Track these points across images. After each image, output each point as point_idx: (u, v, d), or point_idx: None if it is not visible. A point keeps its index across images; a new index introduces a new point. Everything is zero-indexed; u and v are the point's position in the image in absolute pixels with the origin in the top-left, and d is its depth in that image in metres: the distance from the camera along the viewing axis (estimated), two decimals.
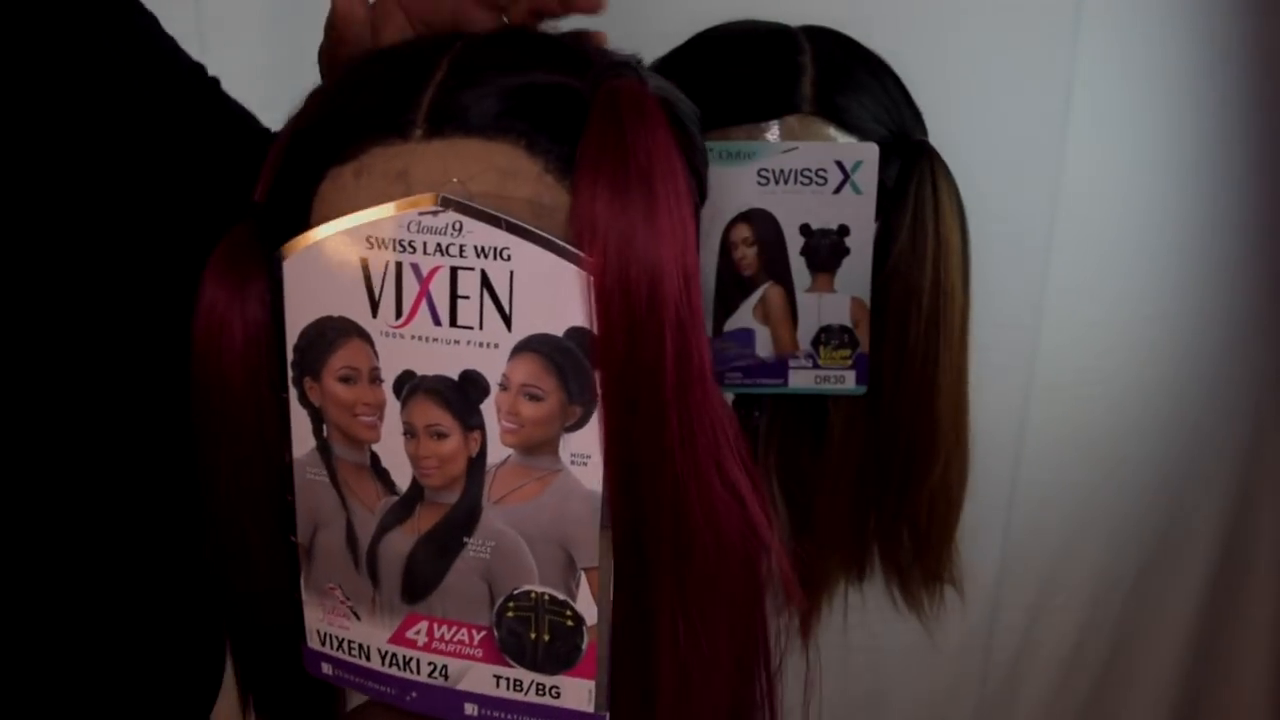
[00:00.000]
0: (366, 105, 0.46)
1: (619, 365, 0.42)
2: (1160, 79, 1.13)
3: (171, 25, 0.69)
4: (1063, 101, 1.12)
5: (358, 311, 0.44)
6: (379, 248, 0.43)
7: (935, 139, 0.78)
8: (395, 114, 0.44)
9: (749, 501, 0.45)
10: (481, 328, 0.43)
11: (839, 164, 0.72)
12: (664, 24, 0.82)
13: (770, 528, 0.46)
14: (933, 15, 1.08)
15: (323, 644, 0.50)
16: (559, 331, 0.43)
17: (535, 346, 0.43)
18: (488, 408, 0.44)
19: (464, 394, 0.44)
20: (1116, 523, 1.31)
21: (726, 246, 0.74)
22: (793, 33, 0.79)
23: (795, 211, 0.73)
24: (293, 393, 0.46)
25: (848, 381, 0.78)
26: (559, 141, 0.44)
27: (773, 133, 0.74)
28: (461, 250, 0.42)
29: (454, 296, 0.43)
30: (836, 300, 0.76)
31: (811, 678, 0.52)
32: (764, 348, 0.77)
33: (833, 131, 0.75)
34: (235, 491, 0.49)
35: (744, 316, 0.76)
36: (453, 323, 0.43)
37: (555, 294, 0.42)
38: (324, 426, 0.47)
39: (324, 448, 0.47)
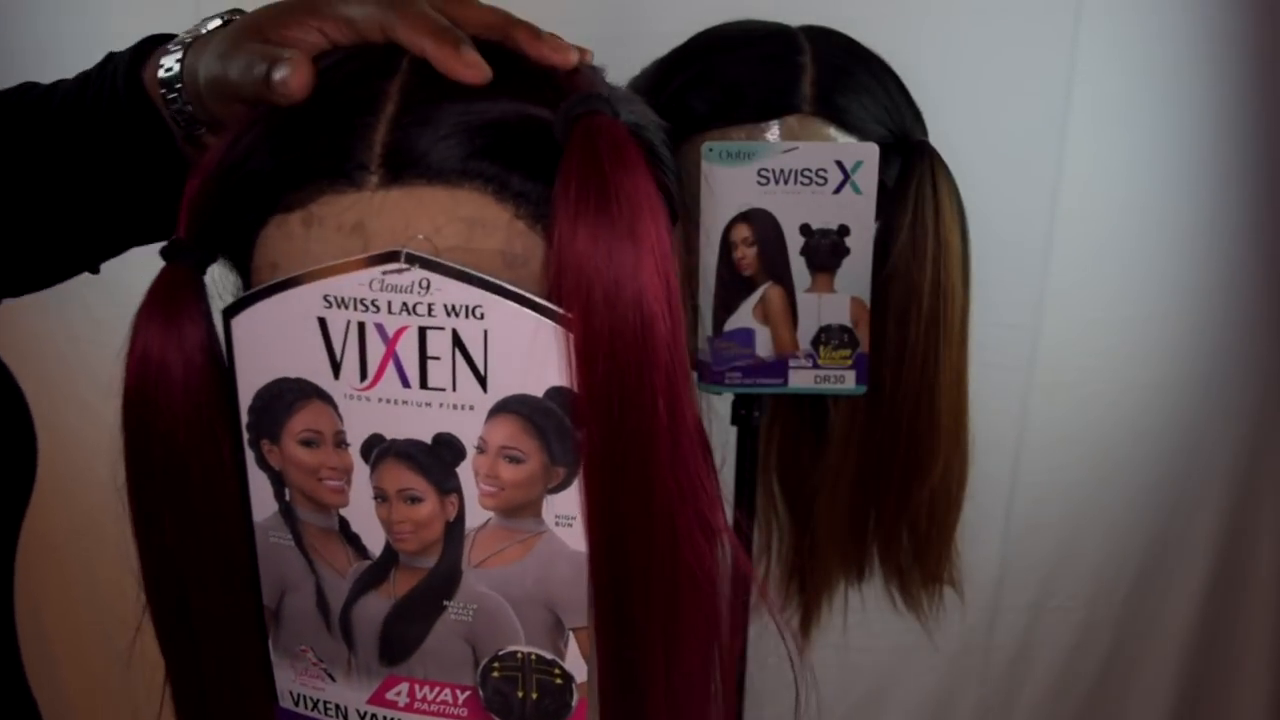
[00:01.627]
0: (312, 146, 0.41)
1: (606, 428, 0.39)
2: (1160, 78, 1.13)
3: (172, 24, 0.68)
4: (1062, 101, 1.12)
5: (318, 373, 0.41)
6: (338, 307, 0.40)
7: (935, 139, 0.78)
8: (345, 158, 0.40)
9: (735, 548, 0.44)
10: (455, 389, 0.40)
11: (839, 164, 0.72)
12: (664, 24, 0.82)
13: (752, 569, 0.45)
14: (933, 15, 1.08)
15: (296, 704, 0.48)
16: (539, 392, 0.40)
17: (514, 408, 0.40)
18: (464, 470, 0.41)
19: (438, 457, 0.41)
20: (1116, 522, 1.31)
21: (726, 246, 0.74)
22: (793, 33, 0.79)
23: (795, 211, 0.73)
24: (250, 455, 0.43)
25: (848, 381, 0.77)
26: (532, 180, 0.41)
27: (773, 133, 0.74)
28: (430, 309, 0.39)
29: (424, 357, 0.40)
30: (836, 300, 0.76)
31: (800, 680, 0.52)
32: (764, 348, 0.77)
33: (833, 131, 0.75)
34: (179, 548, 0.45)
35: (744, 316, 0.76)
36: (423, 385, 0.40)
37: (534, 353, 0.39)
38: (286, 490, 0.44)
39: (287, 511, 0.44)
